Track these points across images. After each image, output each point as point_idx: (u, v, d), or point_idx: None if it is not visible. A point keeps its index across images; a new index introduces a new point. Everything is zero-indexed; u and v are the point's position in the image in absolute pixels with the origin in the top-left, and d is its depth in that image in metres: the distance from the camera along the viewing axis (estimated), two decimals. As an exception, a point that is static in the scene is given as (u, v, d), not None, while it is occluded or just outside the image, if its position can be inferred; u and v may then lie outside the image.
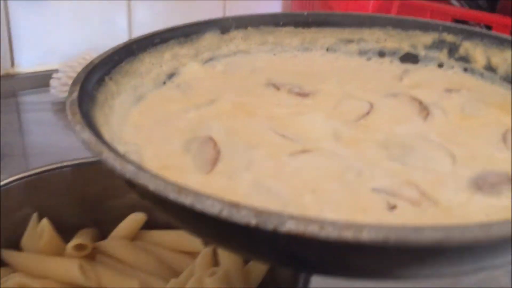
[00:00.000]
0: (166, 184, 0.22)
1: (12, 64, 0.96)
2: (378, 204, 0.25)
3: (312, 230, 0.19)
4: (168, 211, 0.26)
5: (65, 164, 0.45)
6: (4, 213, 0.41)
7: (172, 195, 0.21)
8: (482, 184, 0.28)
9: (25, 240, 0.42)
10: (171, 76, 0.38)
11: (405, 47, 0.41)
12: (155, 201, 0.25)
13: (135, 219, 0.45)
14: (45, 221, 0.41)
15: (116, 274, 0.40)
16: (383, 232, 0.19)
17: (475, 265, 0.24)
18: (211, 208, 0.20)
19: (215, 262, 0.42)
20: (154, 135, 0.31)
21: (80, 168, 0.45)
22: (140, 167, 0.23)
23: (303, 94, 0.36)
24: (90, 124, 0.27)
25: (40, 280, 0.38)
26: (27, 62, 0.97)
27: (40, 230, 0.41)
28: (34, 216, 0.43)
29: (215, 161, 0.29)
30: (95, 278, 0.39)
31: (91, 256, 0.42)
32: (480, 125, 0.33)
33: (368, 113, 0.34)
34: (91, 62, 0.32)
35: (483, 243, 0.20)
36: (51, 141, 0.82)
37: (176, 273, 0.41)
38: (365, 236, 0.19)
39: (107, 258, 0.43)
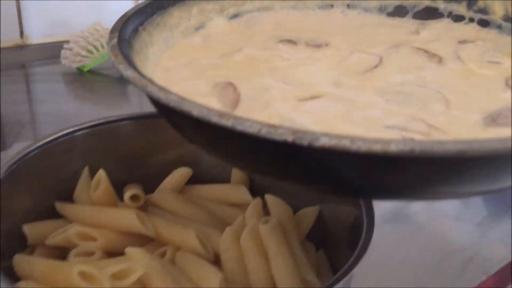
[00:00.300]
0: (209, 109, 0.23)
1: (21, 35, 0.95)
2: (396, 137, 0.26)
3: (344, 144, 0.21)
4: (208, 137, 0.28)
5: (109, 119, 0.45)
6: (54, 168, 0.42)
7: (215, 119, 0.23)
8: (496, 118, 0.30)
9: (78, 193, 0.43)
10: (198, 29, 0.40)
11: (425, 1, 0.42)
12: (196, 128, 0.27)
13: (181, 172, 0.46)
14: (101, 172, 0.41)
15: (171, 224, 0.41)
16: (410, 144, 0.21)
17: (492, 182, 0.25)
18: (251, 128, 0.22)
19: (265, 212, 0.43)
20: (181, 77, 0.34)
21: (124, 124, 0.45)
22: (183, 97, 0.24)
23: (316, 46, 0.38)
24: (131, 64, 0.29)
25: (98, 229, 0.39)
26: (36, 33, 0.96)
27: (96, 182, 0.42)
28: (86, 169, 0.43)
29: (236, 102, 0.30)
30: (152, 227, 0.40)
31: (143, 208, 0.43)
32: (491, 74, 0.35)
33: (376, 66, 0.35)
34: (125, 14, 0.34)
35: (501, 155, 0.21)
36: (63, 111, 0.82)
37: (226, 225, 0.42)
38: (393, 147, 0.21)
39: (158, 210, 0.43)
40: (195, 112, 0.23)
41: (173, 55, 0.37)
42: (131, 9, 0.35)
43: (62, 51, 0.90)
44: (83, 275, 0.32)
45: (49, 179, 0.41)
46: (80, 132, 0.43)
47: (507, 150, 0.21)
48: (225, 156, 0.31)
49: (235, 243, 0.39)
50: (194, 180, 0.47)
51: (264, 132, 0.22)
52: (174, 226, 0.40)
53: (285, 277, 0.37)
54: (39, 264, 0.34)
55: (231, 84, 0.32)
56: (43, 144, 0.40)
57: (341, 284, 0.31)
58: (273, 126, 0.22)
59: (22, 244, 0.39)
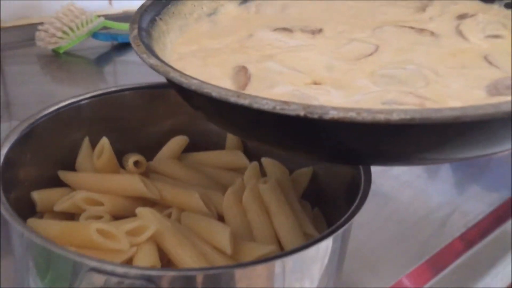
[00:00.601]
0: (227, 90, 0.26)
1: (-6, 18, 0.93)
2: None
3: (351, 115, 0.24)
4: (227, 116, 0.31)
5: (108, 90, 0.46)
6: (56, 138, 0.43)
7: (233, 99, 0.26)
8: (499, 87, 0.32)
9: (80, 162, 0.44)
10: (210, 15, 0.42)
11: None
12: (216, 108, 0.31)
13: (178, 141, 0.47)
14: (105, 140, 0.42)
15: (174, 187, 0.42)
16: (410, 113, 0.23)
17: (486, 146, 0.28)
18: (266, 106, 0.25)
19: (262, 175, 0.45)
20: (195, 63, 0.36)
21: (123, 95, 0.46)
22: (202, 81, 0.27)
23: (314, 32, 0.40)
24: (153, 52, 0.31)
25: (105, 195, 0.40)
26: (9, 16, 0.94)
27: (99, 149, 0.43)
28: (86, 139, 0.44)
29: (247, 82, 0.34)
30: (156, 190, 0.41)
31: (145, 175, 0.44)
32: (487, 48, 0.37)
33: (371, 54, 0.37)
34: (142, 5, 0.38)
35: (494, 119, 0.24)
36: (40, 93, 0.82)
37: (226, 188, 0.44)
38: (395, 116, 0.23)
39: (160, 176, 0.45)
40: (215, 93, 0.26)
41: (186, 40, 0.40)
42: (147, 0, 0.38)
43: (37, 33, 0.89)
44: (100, 233, 0.34)
45: (51, 149, 0.42)
46: (80, 103, 0.44)
47: (499, 114, 0.24)
48: (241, 131, 0.35)
49: (237, 203, 0.41)
50: (190, 148, 0.49)
51: (278, 108, 0.24)
52: (177, 189, 0.42)
53: (288, 232, 0.39)
54: (55, 225, 0.35)
55: (244, 68, 0.35)
56: (45, 115, 0.41)
57: (341, 231, 0.33)
58: (286, 103, 0.24)
59: (31, 212, 0.40)
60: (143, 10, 0.37)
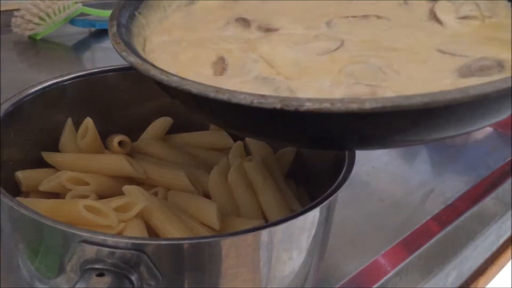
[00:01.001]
0: (207, 86, 0.27)
1: (-32, 4, 0.92)
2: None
3: (325, 106, 0.25)
4: (207, 111, 0.32)
5: (91, 71, 0.46)
6: (39, 119, 0.43)
7: (212, 94, 0.27)
8: (471, 69, 0.33)
9: (64, 143, 0.43)
10: (187, 5, 0.42)
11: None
12: (196, 103, 0.31)
13: (162, 122, 0.48)
14: (89, 120, 0.42)
15: (160, 166, 0.43)
16: (381, 101, 0.24)
17: (458, 127, 0.29)
18: (244, 100, 0.26)
19: (247, 154, 0.46)
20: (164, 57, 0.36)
21: (106, 76, 0.46)
22: (182, 78, 0.27)
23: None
24: (132, 49, 0.31)
25: (90, 174, 0.40)
26: (-17, 2, 0.93)
27: (83, 130, 0.42)
28: (69, 120, 0.44)
29: (224, 70, 0.34)
30: (142, 169, 0.42)
31: (129, 155, 0.44)
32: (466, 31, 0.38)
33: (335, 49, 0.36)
34: (120, 1, 0.37)
35: (461, 103, 0.25)
36: (18, 79, 0.81)
37: (211, 167, 0.44)
38: (368, 105, 0.24)
39: (145, 156, 0.45)
40: (194, 90, 0.27)
41: (160, 31, 0.39)
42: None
43: (13, 19, 0.88)
44: (88, 209, 0.34)
45: (35, 130, 0.42)
46: (64, 84, 0.44)
47: (467, 98, 0.25)
48: (222, 123, 0.36)
49: (223, 180, 0.41)
50: (174, 130, 0.49)
51: (256, 103, 0.25)
52: (163, 168, 0.42)
53: (274, 208, 0.40)
54: (42, 203, 0.35)
55: (222, 58, 0.35)
56: (29, 95, 0.41)
57: (327, 203, 0.34)
58: (263, 96, 0.25)
59: (15, 193, 0.40)
60: (121, 6, 0.37)
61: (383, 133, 0.29)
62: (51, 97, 0.43)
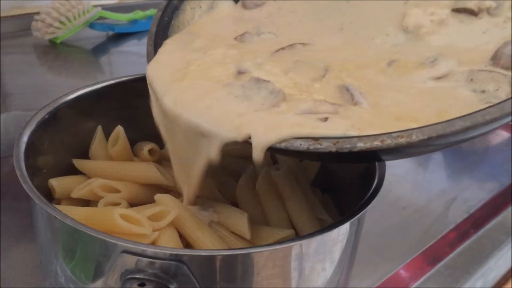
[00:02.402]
0: None
1: (-11, 7, 0.93)
2: (312, 120, 0.30)
3: (376, 144, 0.27)
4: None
5: (120, 80, 0.46)
6: (71, 127, 0.43)
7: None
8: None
9: (94, 150, 0.44)
10: (208, 11, 0.44)
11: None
12: None
13: (189, 130, 0.48)
14: (120, 129, 0.43)
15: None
16: (427, 132, 0.26)
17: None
18: (301, 147, 0.28)
19: (274, 161, 0.46)
20: None
21: (135, 84, 0.47)
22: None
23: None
24: None
25: (121, 182, 0.41)
26: (4, 5, 0.94)
27: (114, 138, 0.43)
28: (99, 128, 0.45)
29: None
30: (171, 177, 0.42)
31: (158, 162, 0.45)
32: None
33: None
34: (151, 32, 0.41)
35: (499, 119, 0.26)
36: (38, 82, 0.82)
37: (238, 175, 0.44)
38: (415, 138, 0.26)
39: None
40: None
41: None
42: (153, 26, 0.41)
43: (33, 23, 0.89)
44: (123, 218, 0.34)
45: (67, 138, 0.43)
46: (94, 92, 0.44)
47: (506, 115, 0.26)
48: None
49: (250, 189, 0.42)
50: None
51: (312, 148, 0.28)
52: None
53: (302, 217, 0.40)
54: (78, 211, 0.36)
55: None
56: (63, 104, 0.42)
57: (359, 215, 0.34)
58: (318, 142, 0.27)
59: (48, 199, 0.40)
60: (153, 39, 0.40)
61: (418, 151, 0.31)
62: (83, 105, 0.44)
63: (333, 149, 0.27)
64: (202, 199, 0.39)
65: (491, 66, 0.32)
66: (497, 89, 0.30)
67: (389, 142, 0.26)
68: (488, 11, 0.35)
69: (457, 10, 0.36)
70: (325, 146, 0.27)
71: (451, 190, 0.57)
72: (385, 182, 0.56)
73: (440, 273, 0.45)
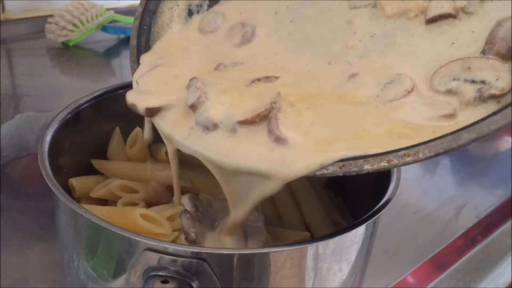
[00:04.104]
0: None
1: (3, 10, 0.94)
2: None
3: (384, 165, 0.27)
4: None
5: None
6: (90, 128, 0.44)
7: None
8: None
9: (112, 151, 0.45)
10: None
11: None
12: None
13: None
14: (138, 130, 0.44)
15: (205, 176, 0.44)
16: (434, 149, 0.27)
17: None
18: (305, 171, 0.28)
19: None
20: None
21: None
22: None
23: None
24: None
25: (139, 183, 0.42)
26: (17, 8, 0.95)
27: (133, 139, 0.44)
28: (117, 129, 0.46)
29: None
30: (187, 178, 0.43)
31: (174, 164, 0.46)
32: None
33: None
34: (132, 45, 0.40)
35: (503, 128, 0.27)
36: (51, 85, 0.83)
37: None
38: (421, 156, 0.27)
39: (188, 165, 0.46)
40: None
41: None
42: (132, 38, 0.40)
43: (47, 26, 0.90)
44: (143, 217, 0.35)
45: (86, 138, 0.44)
46: (113, 93, 0.45)
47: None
48: None
49: (266, 191, 0.43)
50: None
51: (319, 174, 0.28)
52: (207, 177, 0.43)
53: (317, 219, 0.41)
54: (99, 210, 0.37)
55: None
56: (83, 104, 0.42)
57: (375, 218, 0.35)
58: (325, 167, 0.28)
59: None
60: (135, 48, 0.40)
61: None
62: (102, 106, 0.44)
63: (340, 173, 0.28)
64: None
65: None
66: (497, 79, 0.29)
67: (396, 162, 0.27)
68: (464, 10, 0.33)
69: (433, 20, 0.34)
70: (331, 171, 0.28)
71: (460, 196, 0.57)
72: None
73: (451, 276, 0.46)
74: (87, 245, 0.32)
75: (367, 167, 0.27)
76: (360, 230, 0.33)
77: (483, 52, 0.31)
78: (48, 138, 0.37)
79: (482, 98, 0.29)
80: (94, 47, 0.96)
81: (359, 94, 0.32)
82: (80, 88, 0.81)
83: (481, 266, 0.47)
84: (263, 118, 0.30)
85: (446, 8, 0.33)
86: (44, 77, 0.85)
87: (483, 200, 0.56)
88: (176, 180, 0.38)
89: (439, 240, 0.50)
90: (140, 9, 0.41)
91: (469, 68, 0.31)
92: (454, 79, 0.31)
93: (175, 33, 0.41)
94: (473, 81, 0.30)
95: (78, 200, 0.42)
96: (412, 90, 0.31)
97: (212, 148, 0.31)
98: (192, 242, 0.33)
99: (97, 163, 0.44)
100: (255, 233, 0.36)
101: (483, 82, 0.30)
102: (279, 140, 0.29)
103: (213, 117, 0.31)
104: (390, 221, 0.51)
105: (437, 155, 0.27)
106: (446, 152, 0.27)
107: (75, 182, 0.41)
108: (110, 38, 0.98)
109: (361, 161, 0.27)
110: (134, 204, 0.41)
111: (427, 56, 0.33)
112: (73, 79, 0.88)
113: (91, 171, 0.44)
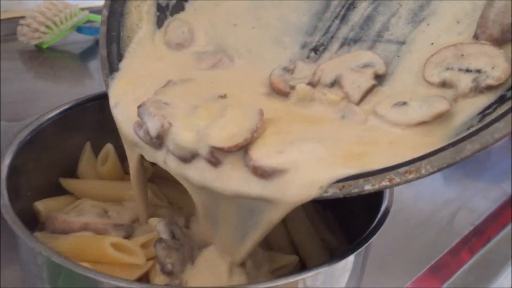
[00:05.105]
0: None
1: (-28, 12, 0.90)
2: None
3: (385, 184, 0.26)
4: None
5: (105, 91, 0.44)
6: (57, 144, 0.41)
7: None
8: None
9: (83, 168, 0.42)
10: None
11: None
12: None
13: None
14: (109, 146, 0.41)
15: (182, 192, 0.41)
16: (436, 165, 0.25)
17: None
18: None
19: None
20: None
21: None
22: None
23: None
24: None
25: (112, 203, 0.39)
26: (-12, 10, 0.91)
27: (104, 156, 0.41)
28: (88, 145, 0.42)
29: None
30: (163, 197, 0.40)
31: (150, 180, 0.43)
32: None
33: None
34: (101, 55, 0.38)
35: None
36: (25, 90, 0.79)
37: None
38: (424, 172, 0.26)
39: (165, 181, 0.43)
40: None
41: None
42: (101, 47, 0.38)
43: (19, 28, 0.86)
44: (115, 246, 0.32)
45: (53, 156, 0.40)
46: (81, 106, 0.42)
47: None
48: None
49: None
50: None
51: (319, 198, 0.27)
52: (184, 195, 0.41)
53: (304, 236, 0.38)
54: (65, 239, 0.33)
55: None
56: (47, 121, 0.39)
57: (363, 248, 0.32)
58: (326, 192, 0.27)
59: (34, 222, 0.38)
60: (106, 58, 0.38)
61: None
62: (69, 120, 0.41)
63: (341, 195, 0.26)
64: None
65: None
66: (493, 67, 0.27)
67: (398, 180, 0.25)
68: None
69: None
70: (331, 193, 0.26)
71: (455, 199, 0.55)
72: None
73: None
74: (49, 281, 0.29)
75: (368, 187, 0.26)
76: (351, 258, 0.30)
77: (476, 36, 0.29)
78: (7, 161, 0.34)
79: (479, 89, 0.28)
80: (70, 49, 0.92)
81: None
82: (56, 93, 0.78)
83: (481, 278, 0.45)
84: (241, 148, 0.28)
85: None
86: (17, 82, 0.81)
87: (478, 204, 0.54)
88: (140, 197, 0.35)
89: (434, 249, 0.47)
90: (105, 13, 0.38)
91: (462, 55, 0.29)
92: (447, 69, 0.29)
93: (144, 46, 0.38)
94: (467, 70, 0.28)
95: (43, 225, 0.38)
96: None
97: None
98: (169, 274, 0.31)
99: (66, 183, 0.41)
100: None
101: (478, 71, 0.28)
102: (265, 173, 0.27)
103: (185, 144, 0.28)
104: (381, 230, 0.49)
105: (439, 170, 0.25)
106: (449, 166, 0.25)
107: (40, 205, 0.38)
108: (86, 39, 0.94)
109: (361, 181, 0.26)
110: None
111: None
112: (49, 84, 0.85)
113: (62, 191, 0.41)
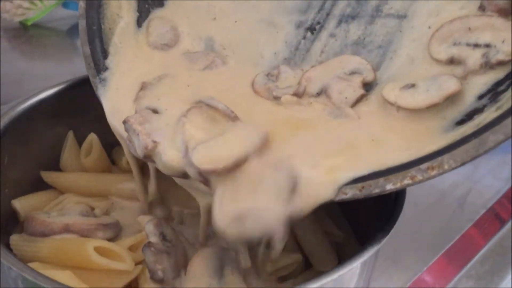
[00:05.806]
0: None
1: (-49, -12, 0.85)
2: None
3: (407, 182, 0.25)
4: None
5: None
6: (37, 134, 0.38)
7: None
8: None
9: (65, 160, 0.38)
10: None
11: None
12: None
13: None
14: (93, 136, 0.37)
15: (171, 185, 0.38)
16: (459, 159, 0.24)
17: None
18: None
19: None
20: None
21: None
22: None
23: None
24: None
25: (98, 198, 0.36)
26: (-32, -15, 0.86)
27: (87, 147, 0.37)
28: (70, 134, 0.39)
29: None
30: (155, 191, 0.37)
31: (141, 171, 0.39)
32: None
33: None
34: (84, 53, 0.35)
35: None
36: (11, 69, 0.76)
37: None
38: (447, 167, 0.24)
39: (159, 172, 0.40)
40: None
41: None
42: (84, 45, 0.35)
43: (1, 4, 0.82)
44: (99, 251, 0.29)
45: (31, 148, 0.37)
46: (60, 92, 0.38)
47: None
48: None
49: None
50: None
51: (338, 199, 0.26)
52: (178, 188, 0.37)
53: (307, 230, 0.35)
54: (45, 243, 0.30)
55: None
56: (22, 110, 0.36)
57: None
58: (344, 192, 0.25)
59: (14, 222, 0.35)
60: (92, 67, 0.35)
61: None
62: (49, 108, 0.38)
63: (361, 197, 0.25)
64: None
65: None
66: (503, 41, 0.26)
67: (420, 178, 0.24)
68: None
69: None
70: (350, 195, 0.25)
71: (464, 181, 0.52)
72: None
73: (470, 276, 0.41)
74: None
75: (390, 186, 0.25)
76: (360, 260, 0.27)
77: (482, 7, 0.28)
78: (-23, 160, 0.31)
79: (489, 65, 0.27)
80: (56, 26, 0.88)
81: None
82: (43, 73, 0.74)
83: (500, 262, 0.42)
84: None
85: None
86: (1, 62, 0.78)
87: (489, 184, 0.51)
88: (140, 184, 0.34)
89: (445, 236, 0.45)
90: (82, 4, 0.35)
91: (469, 29, 0.27)
92: (454, 44, 0.28)
93: (129, 43, 0.35)
94: (476, 45, 0.27)
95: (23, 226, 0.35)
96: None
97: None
98: (159, 282, 0.28)
99: (47, 176, 0.38)
100: (232, 262, 0.30)
101: (487, 45, 0.27)
102: None
103: (172, 164, 0.27)
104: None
105: (463, 164, 0.24)
106: (473, 159, 0.24)
107: (18, 204, 0.34)
108: (73, 15, 0.90)
109: (381, 180, 0.25)
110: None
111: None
112: (35, 63, 0.81)
113: (43, 184, 0.38)
